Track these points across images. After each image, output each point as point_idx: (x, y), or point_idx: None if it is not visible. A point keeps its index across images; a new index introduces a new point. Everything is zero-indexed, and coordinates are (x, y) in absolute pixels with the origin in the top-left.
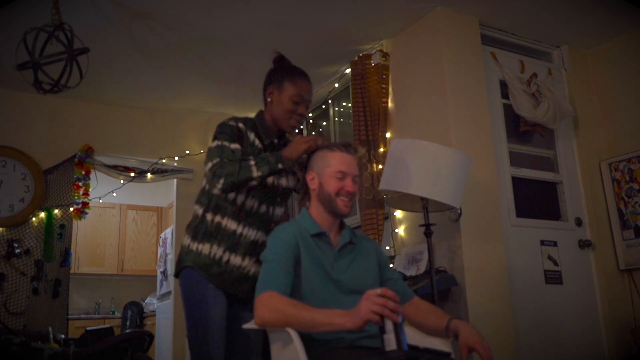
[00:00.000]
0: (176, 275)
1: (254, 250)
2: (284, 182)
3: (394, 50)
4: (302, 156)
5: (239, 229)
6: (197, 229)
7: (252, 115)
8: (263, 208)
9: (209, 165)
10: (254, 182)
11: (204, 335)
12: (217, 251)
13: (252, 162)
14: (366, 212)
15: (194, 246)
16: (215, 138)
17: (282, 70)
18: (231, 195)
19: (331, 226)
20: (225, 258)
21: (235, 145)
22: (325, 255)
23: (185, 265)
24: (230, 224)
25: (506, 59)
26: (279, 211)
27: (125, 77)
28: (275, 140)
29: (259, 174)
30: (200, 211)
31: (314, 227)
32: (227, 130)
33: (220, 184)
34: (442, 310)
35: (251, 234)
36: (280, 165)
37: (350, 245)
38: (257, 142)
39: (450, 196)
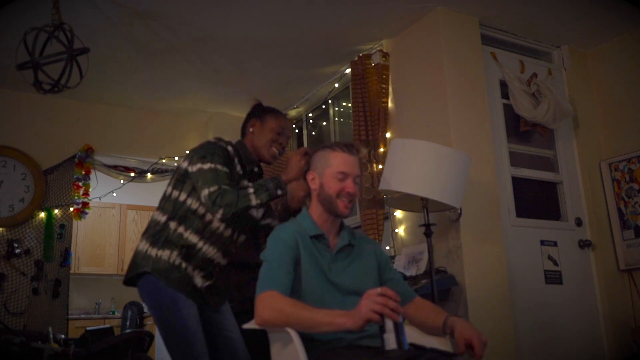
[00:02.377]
0: (129, 281)
1: (206, 267)
2: (254, 213)
3: (394, 50)
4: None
5: (200, 244)
6: (158, 236)
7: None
8: (228, 232)
9: (206, 191)
10: (254, 211)
11: (183, 336)
12: (175, 258)
13: (251, 190)
14: (366, 212)
15: (153, 252)
16: (203, 157)
17: (263, 108)
18: (201, 209)
19: (331, 227)
20: (183, 265)
21: (225, 170)
22: (323, 257)
23: (142, 270)
24: (192, 237)
25: (506, 59)
26: (242, 238)
27: (125, 77)
28: (256, 169)
29: (258, 202)
30: (163, 218)
31: (313, 229)
32: (219, 152)
33: (219, 214)
34: (442, 309)
35: (210, 251)
36: (279, 192)
37: (348, 247)
38: (238, 167)
39: (450, 196)
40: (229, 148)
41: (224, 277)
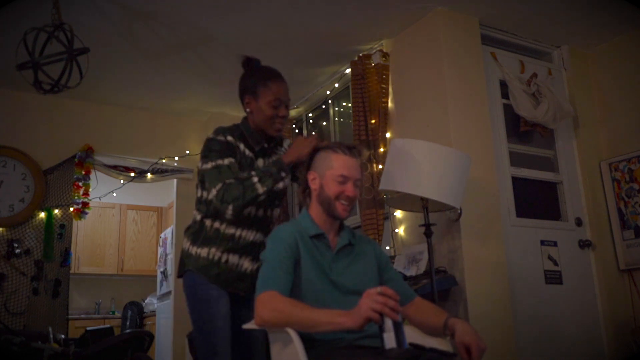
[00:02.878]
0: (179, 275)
1: (253, 250)
2: (281, 185)
3: (394, 50)
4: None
5: (238, 232)
6: (197, 234)
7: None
8: (261, 212)
9: (213, 192)
10: (262, 198)
11: (209, 329)
12: (215, 253)
13: (255, 179)
14: (366, 212)
15: (194, 250)
16: (205, 157)
17: (254, 76)
18: None
19: (330, 227)
20: (223, 259)
21: (229, 160)
22: (324, 257)
23: (187, 268)
24: (229, 229)
25: (506, 59)
26: (276, 212)
27: (125, 77)
28: (266, 145)
29: (264, 189)
30: (199, 217)
31: (313, 228)
32: (216, 147)
33: (230, 210)
34: (442, 309)
35: (250, 235)
36: (283, 174)
37: (348, 247)
38: (247, 151)
39: (450, 196)
40: (229, 138)
41: None
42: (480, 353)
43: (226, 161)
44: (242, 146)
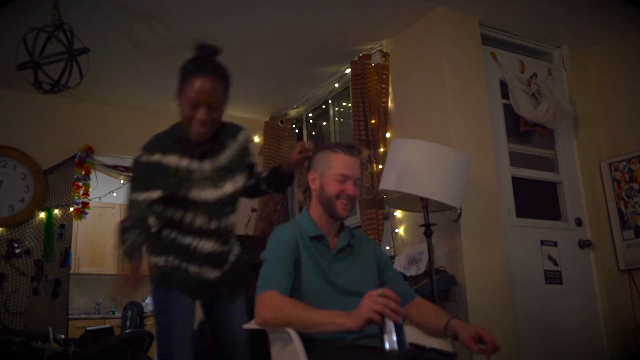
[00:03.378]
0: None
1: (214, 259)
2: (229, 188)
3: (394, 50)
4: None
5: (194, 243)
6: (155, 245)
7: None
8: (214, 224)
9: (122, 219)
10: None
11: (166, 331)
12: (173, 261)
13: (123, 246)
14: (366, 212)
15: (153, 260)
16: (129, 183)
17: (183, 67)
18: (178, 215)
19: (330, 227)
20: (183, 266)
21: (146, 195)
22: (323, 258)
23: (150, 280)
24: (185, 239)
25: (506, 59)
26: (232, 219)
27: (125, 77)
28: (208, 146)
29: (122, 249)
30: (155, 229)
31: (313, 229)
32: (139, 175)
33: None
34: (443, 310)
35: (207, 246)
36: (133, 259)
37: (348, 248)
38: (184, 162)
39: (450, 196)
40: (153, 158)
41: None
42: (493, 347)
43: (143, 196)
44: (174, 159)
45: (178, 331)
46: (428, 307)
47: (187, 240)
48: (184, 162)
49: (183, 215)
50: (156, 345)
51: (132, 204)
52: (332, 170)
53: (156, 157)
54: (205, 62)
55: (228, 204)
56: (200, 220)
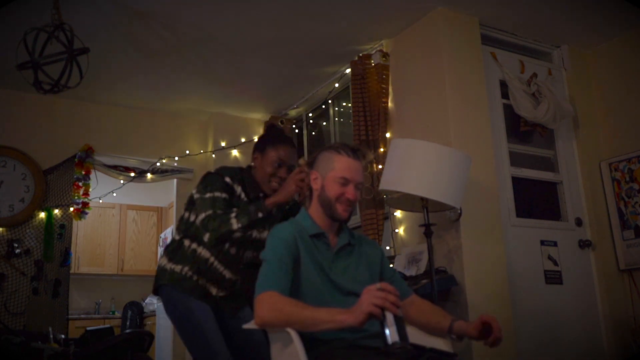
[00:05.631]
0: (154, 291)
1: (219, 281)
2: (255, 234)
3: (394, 50)
4: (294, 196)
5: (211, 259)
6: (174, 253)
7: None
8: (233, 250)
9: (202, 215)
10: (238, 234)
11: (203, 339)
12: (188, 272)
13: (233, 215)
14: (366, 212)
15: (169, 266)
16: (205, 187)
17: (266, 137)
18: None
19: (330, 227)
20: (194, 277)
21: (226, 194)
22: (323, 256)
23: (161, 283)
24: (205, 253)
25: (506, 59)
26: (249, 254)
27: (125, 77)
28: (261, 194)
29: (239, 225)
30: (178, 237)
31: (313, 228)
32: (217, 183)
33: (206, 237)
34: (444, 311)
35: (220, 268)
36: (260, 214)
37: (348, 247)
38: (243, 195)
39: (450, 196)
40: (227, 179)
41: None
42: (498, 334)
43: (223, 194)
44: (239, 189)
45: (215, 336)
46: (427, 307)
47: (207, 254)
48: (243, 196)
49: (234, 246)
50: (197, 356)
51: (215, 200)
52: (334, 172)
53: (228, 180)
54: (285, 135)
55: (251, 243)
56: (250, 254)
